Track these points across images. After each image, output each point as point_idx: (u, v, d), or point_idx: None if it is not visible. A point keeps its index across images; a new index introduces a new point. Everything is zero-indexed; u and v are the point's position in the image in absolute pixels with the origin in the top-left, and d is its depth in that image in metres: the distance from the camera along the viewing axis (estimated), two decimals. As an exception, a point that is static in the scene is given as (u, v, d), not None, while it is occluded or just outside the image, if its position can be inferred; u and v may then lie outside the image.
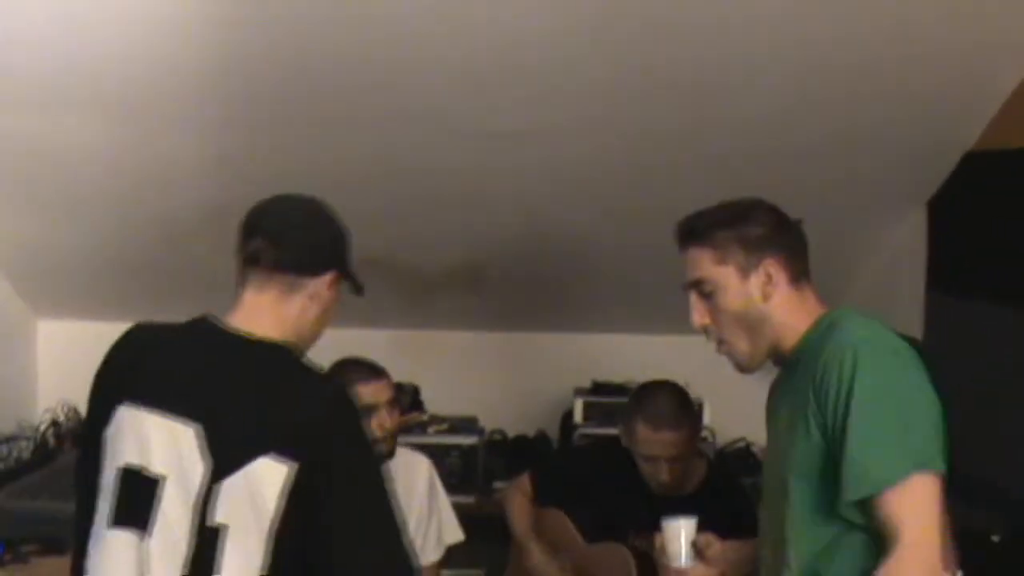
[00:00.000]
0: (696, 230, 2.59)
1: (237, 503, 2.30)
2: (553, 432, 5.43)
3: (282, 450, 2.29)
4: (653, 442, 3.60)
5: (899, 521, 2.29)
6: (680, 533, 3.08)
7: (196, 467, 2.32)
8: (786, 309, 2.54)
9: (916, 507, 2.31)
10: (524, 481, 4.07)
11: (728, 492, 3.77)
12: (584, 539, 3.84)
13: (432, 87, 3.89)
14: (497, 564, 4.36)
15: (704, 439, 4.71)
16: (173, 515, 2.32)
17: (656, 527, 3.61)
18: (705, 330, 2.61)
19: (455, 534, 4.03)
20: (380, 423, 3.65)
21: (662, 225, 4.53)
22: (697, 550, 3.07)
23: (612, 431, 4.85)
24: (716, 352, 2.66)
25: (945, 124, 4.12)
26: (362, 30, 3.61)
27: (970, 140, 4.19)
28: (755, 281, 2.53)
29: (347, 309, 5.11)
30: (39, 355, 5.22)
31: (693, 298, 2.59)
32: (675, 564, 3.06)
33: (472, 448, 5.00)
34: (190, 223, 4.30)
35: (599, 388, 5.20)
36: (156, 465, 2.34)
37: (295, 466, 2.28)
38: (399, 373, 5.18)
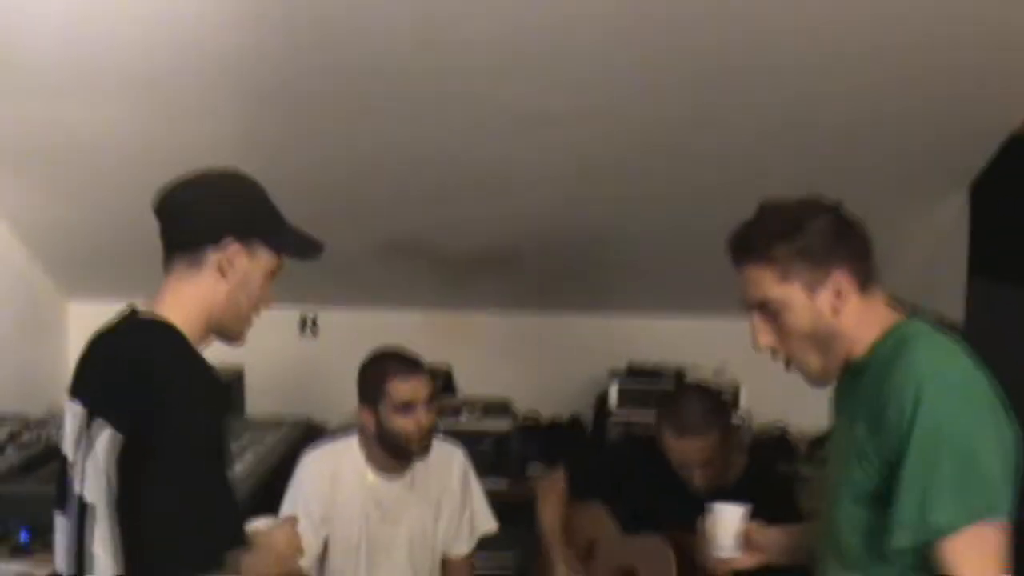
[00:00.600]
0: (752, 246, 2.39)
1: (97, 479, 2.27)
2: (587, 416, 5.40)
3: (116, 422, 2.24)
4: (680, 450, 3.54)
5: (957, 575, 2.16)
6: (729, 522, 2.96)
7: (80, 446, 2.33)
8: (857, 321, 2.36)
9: (977, 559, 2.16)
10: (558, 476, 4.01)
11: (767, 486, 3.71)
12: (621, 529, 3.79)
13: (466, 72, 3.85)
14: (529, 549, 4.33)
15: (739, 426, 4.64)
16: (71, 495, 2.35)
17: (693, 523, 3.58)
18: (772, 351, 2.43)
19: (488, 523, 3.96)
20: (418, 421, 3.57)
21: (696, 207, 4.57)
22: (744, 539, 2.92)
23: (647, 417, 4.84)
24: (785, 370, 2.48)
25: (990, 107, 4.05)
26: (393, 15, 3.57)
27: (1015, 123, 4.12)
28: (824, 297, 2.34)
29: (380, 290, 5.17)
30: (70, 337, 5.26)
31: (756, 319, 2.41)
32: (722, 554, 2.95)
33: (505, 434, 4.95)
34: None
35: (634, 372, 5.15)
36: (67, 448, 2.39)
37: (121, 439, 2.23)
38: (432, 354, 5.17)
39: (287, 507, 3.67)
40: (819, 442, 5.19)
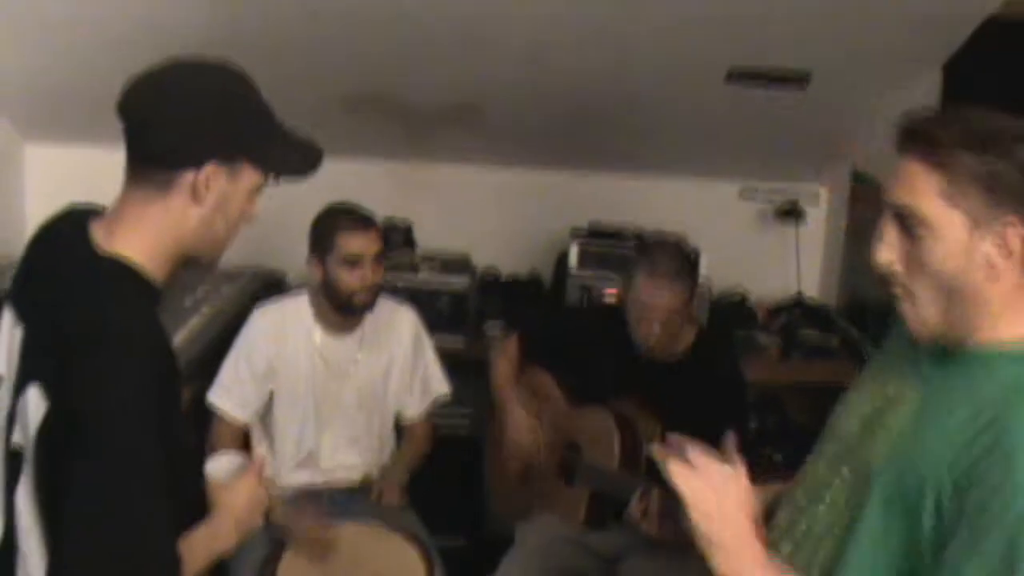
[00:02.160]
0: (930, 140, 1.84)
1: (24, 428, 2.03)
2: (547, 274, 5.39)
3: (45, 381, 1.99)
4: (650, 291, 3.52)
5: None
6: None
7: (12, 373, 2.09)
8: (1006, 295, 1.87)
9: None
10: (511, 341, 4.05)
11: (714, 363, 3.74)
12: (568, 400, 3.85)
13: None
14: (483, 407, 4.36)
15: (699, 290, 4.64)
16: (7, 423, 2.11)
17: (640, 391, 3.61)
18: (889, 271, 1.93)
19: (441, 387, 4.01)
20: (363, 276, 3.59)
21: (668, 72, 4.53)
22: None
23: (606, 276, 4.85)
24: (888, 294, 1.98)
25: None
26: None
27: (992, 5, 4.08)
28: (986, 245, 1.83)
29: (343, 141, 5.10)
30: (26, 181, 5.15)
31: (887, 223, 1.92)
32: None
33: (463, 291, 4.93)
34: (185, 48, 4.19)
35: (596, 232, 5.13)
36: (2, 364, 2.13)
37: (46, 406, 1.98)
38: (393, 207, 5.17)
39: (231, 361, 3.74)
40: (778, 311, 5.24)
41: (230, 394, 3.71)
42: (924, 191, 1.84)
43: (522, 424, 3.86)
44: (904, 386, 2.03)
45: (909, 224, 1.87)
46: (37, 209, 4.83)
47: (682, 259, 3.64)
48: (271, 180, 2.19)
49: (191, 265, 2.19)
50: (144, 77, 2.09)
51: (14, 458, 2.07)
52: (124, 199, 2.11)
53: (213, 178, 2.07)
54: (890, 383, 2.07)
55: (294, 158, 2.21)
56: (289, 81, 4.40)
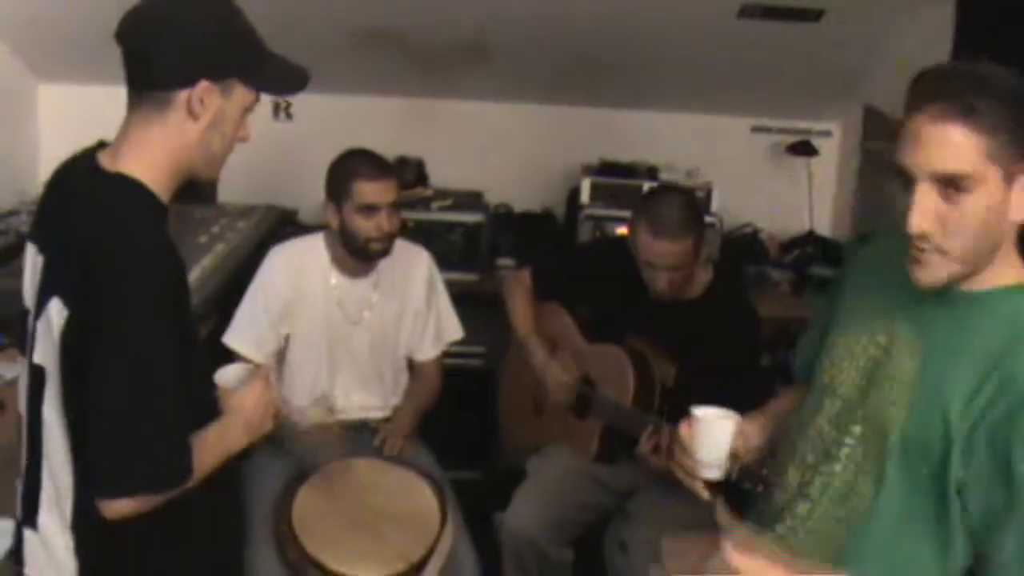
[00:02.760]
0: (972, 106, 1.86)
1: (45, 344, 2.21)
2: (559, 210, 5.41)
3: (64, 294, 2.16)
4: (653, 250, 3.50)
5: None
6: (719, 438, 2.39)
7: (34, 300, 2.27)
8: (1010, 237, 1.96)
9: None
10: (524, 275, 4.05)
11: (731, 303, 3.73)
12: (583, 336, 3.86)
13: None
14: (496, 343, 4.39)
15: (711, 225, 4.63)
16: (29, 349, 2.29)
17: (655, 331, 3.61)
18: (922, 237, 1.93)
19: (455, 331, 4.01)
20: (379, 225, 3.58)
21: (680, 7, 4.52)
22: (732, 455, 2.40)
23: (618, 213, 4.86)
24: (911, 251, 1.97)
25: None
26: None
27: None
28: (1018, 193, 1.91)
29: (356, 77, 5.11)
30: (40, 121, 5.18)
31: (924, 190, 1.91)
32: (709, 475, 2.39)
33: (476, 226, 4.96)
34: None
35: (607, 168, 5.15)
36: (27, 296, 2.32)
37: (66, 313, 2.14)
38: (406, 144, 5.19)
39: (247, 301, 3.74)
40: (791, 245, 5.25)
41: (246, 335, 3.72)
42: (968, 155, 1.87)
43: (553, 367, 3.85)
44: (898, 333, 2.08)
45: (951, 188, 1.89)
46: (51, 148, 4.89)
47: (686, 212, 3.54)
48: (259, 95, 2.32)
49: (192, 179, 2.32)
50: (139, 6, 2.23)
51: (37, 375, 2.25)
52: (126, 124, 2.26)
53: (207, 95, 2.21)
54: (880, 331, 2.12)
55: (281, 77, 2.36)
56: (300, 18, 4.43)
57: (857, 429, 2.11)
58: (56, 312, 2.15)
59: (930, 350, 2.00)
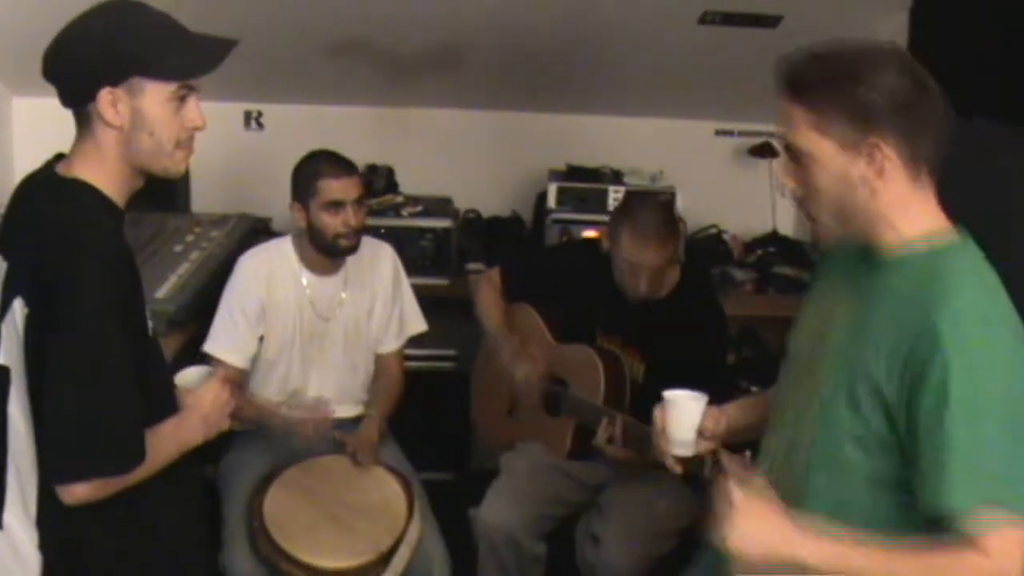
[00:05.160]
0: (797, 81, 2.11)
1: (10, 345, 2.28)
2: (527, 214, 5.48)
3: (24, 293, 2.25)
4: (637, 254, 3.56)
5: (983, 542, 1.96)
6: (688, 416, 2.64)
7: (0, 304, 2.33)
8: (892, 204, 2.10)
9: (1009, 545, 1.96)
10: (494, 275, 4.09)
11: (699, 302, 3.80)
12: (553, 336, 3.92)
13: None
14: (468, 345, 4.45)
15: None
16: None
17: (624, 330, 3.69)
18: (794, 195, 2.20)
19: (418, 325, 4.11)
20: (346, 220, 3.68)
21: (643, 14, 4.59)
22: (702, 433, 2.65)
23: (584, 217, 4.94)
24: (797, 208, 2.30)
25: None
26: None
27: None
28: (860, 166, 2.08)
29: (325, 86, 5.17)
30: (14, 134, 5.23)
31: (784, 157, 2.20)
32: (679, 451, 2.66)
33: (446, 231, 5.02)
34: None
35: (573, 172, 5.23)
36: None
37: (26, 311, 2.24)
38: (375, 152, 5.24)
39: (223, 310, 3.80)
40: (754, 245, 5.33)
41: (226, 342, 3.77)
42: (798, 126, 2.11)
43: (522, 361, 3.87)
44: (839, 299, 2.28)
45: (795, 156, 2.14)
46: (24, 160, 4.91)
47: (667, 216, 3.67)
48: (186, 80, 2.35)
49: (153, 175, 2.40)
50: (49, 44, 2.32)
51: (2, 375, 2.30)
52: (74, 142, 2.36)
53: (113, 101, 2.27)
54: (827, 300, 2.34)
55: (191, 58, 2.35)
56: (270, 29, 4.49)
57: (805, 387, 2.29)
58: (19, 310, 2.25)
59: (858, 312, 2.18)
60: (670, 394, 2.65)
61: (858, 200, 2.11)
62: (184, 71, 2.34)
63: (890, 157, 2.07)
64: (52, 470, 2.25)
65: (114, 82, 2.26)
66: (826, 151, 2.09)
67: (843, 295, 2.27)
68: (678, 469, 2.67)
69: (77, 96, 2.30)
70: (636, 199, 3.92)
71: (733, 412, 2.71)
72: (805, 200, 2.19)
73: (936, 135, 2.11)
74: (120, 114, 2.27)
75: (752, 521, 2.08)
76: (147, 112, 2.30)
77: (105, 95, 2.26)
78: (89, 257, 2.22)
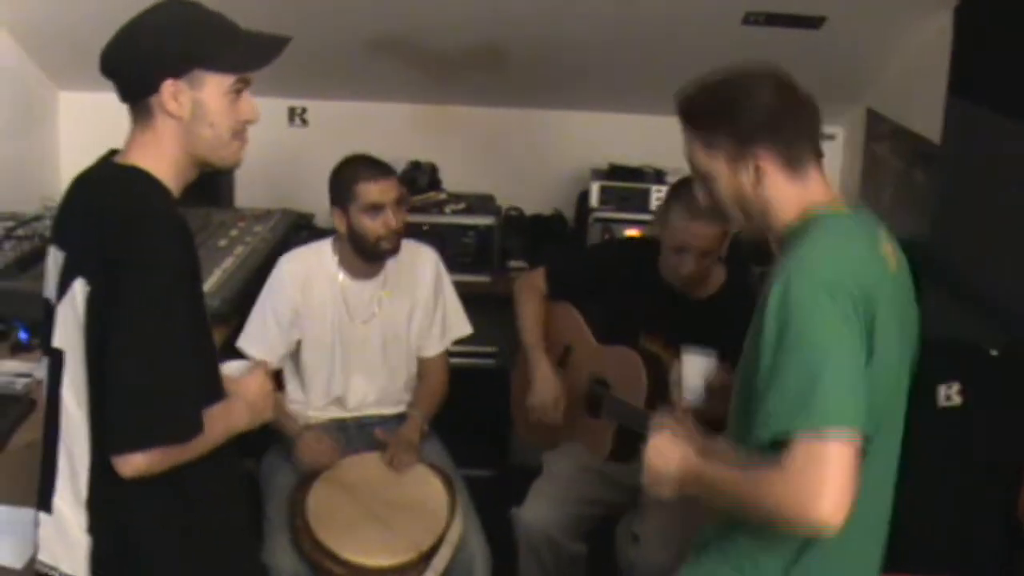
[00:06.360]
0: (687, 113, 2.45)
1: (67, 326, 2.34)
2: (569, 212, 5.49)
3: (87, 272, 2.29)
4: (686, 231, 3.57)
5: (793, 459, 2.15)
6: (698, 369, 3.10)
7: (54, 291, 2.40)
8: (777, 201, 2.40)
9: (811, 470, 2.14)
10: (537, 275, 4.09)
11: (742, 304, 3.79)
12: (596, 336, 3.91)
13: None
14: (509, 342, 4.45)
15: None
16: (48, 336, 2.44)
17: (666, 330, 3.69)
18: (711, 205, 2.50)
19: (462, 328, 4.11)
20: (386, 222, 3.70)
21: (686, 15, 4.59)
22: (710, 387, 3.06)
23: (627, 216, 4.94)
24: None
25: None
26: None
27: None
28: (744, 173, 2.38)
29: (369, 83, 5.18)
30: (61, 128, 5.28)
31: (695, 180, 2.51)
32: (691, 398, 3.10)
33: (488, 228, 5.04)
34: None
35: (615, 171, 5.23)
36: (49, 292, 2.45)
37: (88, 289, 2.28)
38: (418, 149, 5.26)
39: (258, 308, 3.85)
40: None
41: (257, 340, 3.81)
42: (694, 150, 2.44)
43: (547, 385, 3.88)
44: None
45: (696, 172, 2.47)
46: (72, 154, 4.96)
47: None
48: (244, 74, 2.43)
49: (209, 168, 2.47)
50: (110, 38, 2.38)
51: (56, 359, 2.39)
52: (130, 135, 2.42)
53: (175, 93, 2.34)
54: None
55: (249, 52, 2.43)
56: (315, 26, 4.50)
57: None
58: (80, 290, 2.29)
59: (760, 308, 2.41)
60: (686, 348, 3.18)
61: (749, 199, 2.41)
62: (243, 64, 2.42)
63: (767, 165, 2.37)
64: (111, 440, 2.26)
65: (177, 74, 2.33)
66: (717, 166, 2.41)
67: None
68: (689, 420, 2.81)
69: (139, 88, 2.35)
70: (687, 180, 3.91)
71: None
72: (715, 205, 2.48)
73: (810, 135, 2.43)
74: (182, 105, 2.35)
75: (665, 442, 2.52)
76: (207, 104, 2.38)
77: (168, 87, 2.33)
78: (155, 229, 2.28)
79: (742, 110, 2.37)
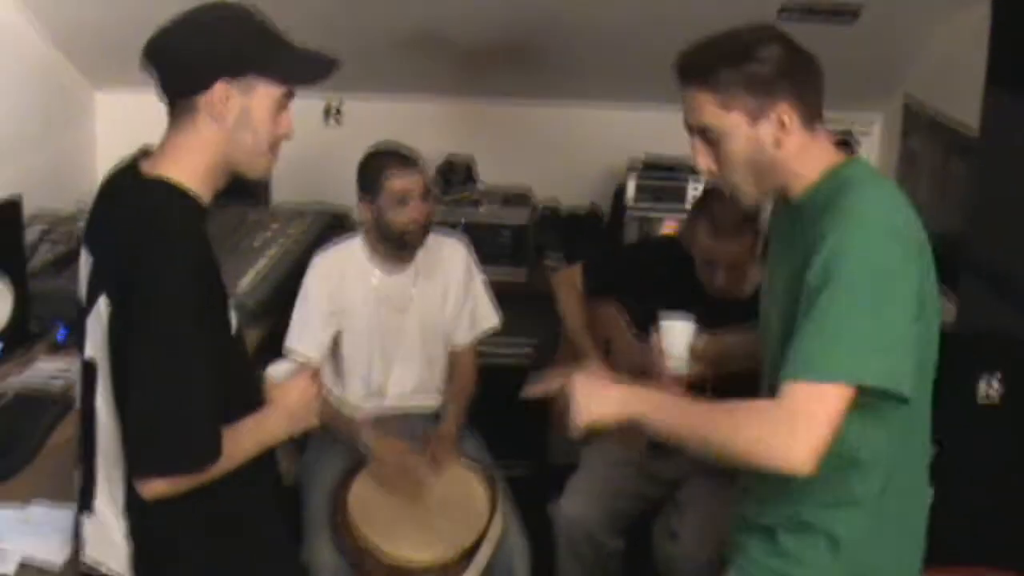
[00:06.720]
0: (697, 69, 2.34)
1: (96, 339, 2.34)
2: (606, 206, 5.47)
3: (109, 291, 2.28)
4: (713, 248, 3.59)
5: (793, 399, 2.17)
6: (678, 336, 3.07)
7: (84, 298, 2.40)
8: (799, 156, 2.35)
9: (819, 408, 2.15)
10: (574, 271, 4.10)
11: None
12: (635, 333, 3.89)
13: None
14: (547, 338, 4.44)
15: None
16: (81, 344, 2.43)
17: (704, 328, 3.67)
18: (711, 174, 2.42)
19: (491, 319, 4.10)
20: (412, 213, 3.71)
21: (723, 7, 4.55)
22: (694, 353, 3.06)
23: (663, 211, 4.92)
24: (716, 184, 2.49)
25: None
26: None
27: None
28: (766, 127, 2.32)
29: (404, 79, 5.18)
30: (97, 129, 5.32)
31: (696, 143, 2.40)
32: (675, 367, 3.04)
33: (524, 223, 5.03)
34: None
35: (652, 166, 5.19)
36: (81, 294, 2.43)
37: (111, 309, 2.27)
38: (453, 144, 5.26)
39: (298, 305, 3.85)
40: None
41: (303, 338, 3.82)
42: (707, 109, 2.33)
43: (633, 349, 3.85)
44: (776, 258, 2.56)
45: (708, 136, 2.36)
46: (108, 154, 4.92)
47: (744, 212, 3.60)
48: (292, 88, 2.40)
49: (240, 175, 2.43)
50: (161, 26, 2.34)
51: (89, 369, 2.39)
52: (166, 132, 2.38)
53: (226, 96, 2.31)
54: (772, 260, 2.62)
55: (303, 67, 2.41)
56: (350, 23, 4.51)
57: (768, 348, 2.54)
58: (104, 307, 2.28)
59: (783, 254, 2.47)
60: (663, 316, 3.10)
61: (767, 158, 2.34)
62: (296, 77, 2.39)
63: (791, 115, 2.31)
64: (131, 465, 2.29)
65: (232, 75, 2.31)
66: (734, 122, 2.32)
67: (779, 252, 2.55)
68: (677, 389, 2.90)
69: (189, 84, 2.31)
70: (714, 193, 3.89)
71: (730, 339, 3.08)
72: (721, 173, 2.40)
73: (819, 91, 2.38)
74: (230, 109, 2.32)
75: (591, 394, 2.48)
76: (254, 111, 2.34)
77: (221, 87, 2.30)
78: (167, 259, 2.24)
79: (762, 61, 2.30)
